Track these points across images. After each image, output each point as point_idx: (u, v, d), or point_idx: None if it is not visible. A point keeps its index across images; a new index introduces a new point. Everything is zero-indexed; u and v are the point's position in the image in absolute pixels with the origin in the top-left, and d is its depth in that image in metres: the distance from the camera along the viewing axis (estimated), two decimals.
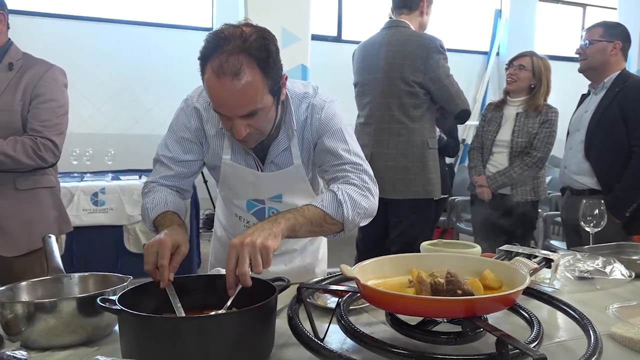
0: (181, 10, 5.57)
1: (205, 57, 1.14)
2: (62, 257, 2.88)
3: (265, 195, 1.44)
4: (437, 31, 6.14)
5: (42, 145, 1.84)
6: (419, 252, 1.45)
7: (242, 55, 1.10)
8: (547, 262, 1.41)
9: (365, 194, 1.28)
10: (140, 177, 3.93)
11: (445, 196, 3.23)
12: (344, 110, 1.40)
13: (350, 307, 1.19)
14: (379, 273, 1.08)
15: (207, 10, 5.72)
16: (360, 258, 2.61)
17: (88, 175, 3.99)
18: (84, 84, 4.97)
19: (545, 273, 1.51)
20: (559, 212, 3.28)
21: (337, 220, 1.23)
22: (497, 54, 6.84)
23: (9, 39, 1.95)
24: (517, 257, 1.17)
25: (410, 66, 2.42)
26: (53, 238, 1.37)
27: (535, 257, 1.43)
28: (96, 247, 3.60)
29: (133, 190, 3.66)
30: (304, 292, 1.08)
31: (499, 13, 6.93)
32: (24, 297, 1.17)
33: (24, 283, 1.19)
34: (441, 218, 3.92)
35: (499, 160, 3.01)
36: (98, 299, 0.96)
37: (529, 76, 2.93)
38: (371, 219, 1.34)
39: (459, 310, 0.92)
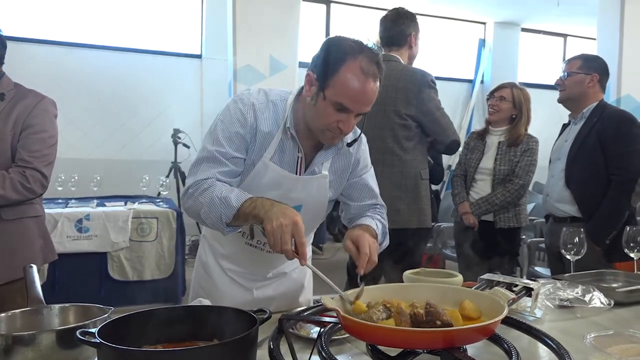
0: (170, 37, 5.63)
1: (352, 52, 1.27)
2: (44, 285, 2.86)
3: (287, 204, 1.45)
4: (424, 59, 6.28)
5: (30, 177, 1.85)
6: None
7: (381, 67, 1.31)
8: (528, 291, 1.44)
9: (386, 231, 1.52)
10: (125, 204, 3.91)
11: (432, 224, 3.27)
12: None
13: (333, 338, 1.19)
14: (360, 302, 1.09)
15: (196, 38, 5.79)
16: (351, 284, 2.62)
17: (73, 201, 3.96)
18: (70, 109, 4.97)
19: (527, 302, 1.52)
20: (543, 239, 3.32)
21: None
22: (482, 82, 6.98)
23: (2, 71, 1.96)
24: (496, 287, 1.19)
25: (403, 100, 2.49)
26: (34, 268, 1.36)
27: (516, 285, 1.46)
28: (79, 274, 3.55)
29: (118, 216, 3.64)
30: (286, 323, 1.08)
31: (482, 42, 7.10)
32: (2, 329, 1.16)
33: (2, 315, 1.18)
34: (428, 245, 3.94)
35: (482, 187, 3.05)
36: (77, 332, 0.96)
37: (509, 107, 3.01)
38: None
39: (437, 341, 0.94)
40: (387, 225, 1.52)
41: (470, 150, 3.15)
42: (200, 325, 1.13)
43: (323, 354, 0.99)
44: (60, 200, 3.96)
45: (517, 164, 2.97)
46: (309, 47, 5.93)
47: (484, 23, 7.10)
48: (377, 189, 1.56)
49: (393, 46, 2.59)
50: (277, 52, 4.34)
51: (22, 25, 4.67)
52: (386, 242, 1.50)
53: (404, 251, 2.51)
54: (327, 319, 1.09)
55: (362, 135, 1.53)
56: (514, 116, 3.02)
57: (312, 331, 1.28)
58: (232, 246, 1.55)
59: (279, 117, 1.38)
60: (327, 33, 6.31)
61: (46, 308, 1.24)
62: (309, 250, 1.66)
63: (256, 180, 1.43)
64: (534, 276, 3.11)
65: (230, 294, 1.51)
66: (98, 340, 0.92)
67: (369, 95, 1.30)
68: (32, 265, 1.36)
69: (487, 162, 3.05)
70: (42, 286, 2.68)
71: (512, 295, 1.08)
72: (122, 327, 1.06)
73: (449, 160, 6.43)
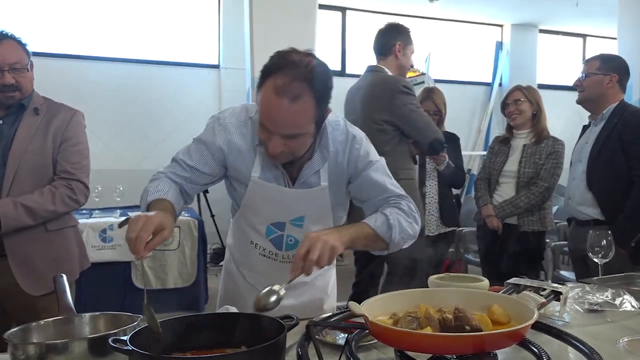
0: (188, 48, 5.70)
1: (268, 72, 1.21)
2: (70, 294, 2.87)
3: (287, 217, 1.45)
4: (441, 63, 6.26)
5: (76, 189, 1.94)
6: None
7: (304, 83, 1.19)
8: (556, 295, 1.42)
9: (411, 221, 1.41)
10: None
11: (453, 229, 3.24)
12: None
13: (360, 344, 1.19)
14: (387, 309, 1.09)
15: (214, 48, 5.86)
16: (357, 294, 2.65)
17: (97, 211, 4.02)
18: (92, 121, 5.03)
19: (555, 306, 1.49)
20: (567, 242, 3.27)
21: (385, 241, 1.35)
22: (500, 84, 6.93)
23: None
24: (525, 291, 1.17)
25: (378, 107, 2.62)
26: (64, 278, 1.38)
27: (544, 289, 1.44)
28: (104, 283, 3.60)
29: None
30: (313, 329, 1.08)
31: (500, 45, 7.05)
32: (35, 337, 1.18)
33: (34, 324, 1.20)
34: (449, 250, 3.90)
35: (506, 190, 3.03)
36: (110, 340, 0.97)
37: (529, 106, 3.03)
38: (413, 241, 1.45)
39: (467, 346, 0.93)
40: (409, 214, 1.41)
41: (495, 153, 3.14)
42: (228, 332, 1.14)
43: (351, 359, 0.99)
44: (84, 211, 4.02)
45: (542, 167, 2.95)
46: (326, 55, 5.96)
47: (501, 25, 7.05)
48: (387, 181, 1.46)
49: (380, 56, 2.77)
50: None
51: (45, 40, 4.78)
52: (399, 235, 1.37)
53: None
54: (354, 325, 1.09)
55: (358, 133, 1.46)
56: (534, 113, 3.03)
57: (338, 337, 1.28)
58: (248, 256, 1.56)
59: (255, 135, 1.39)
60: (343, 40, 6.34)
61: (77, 317, 1.26)
62: None
63: (254, 197, 1.46)
64: (559, 280, 3.06)
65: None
66: (130, 347, 0.93)
67: (282, 115, 1.20)
68: (62, 275, 1.39)
69: (512, 165, 3.04)
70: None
71: (542, 300, 1.07)
72: (152, 335, 1.07)
73: (469, 164, 6.39)
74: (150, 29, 5.47)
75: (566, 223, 3.08)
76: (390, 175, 1.48)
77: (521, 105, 3.01)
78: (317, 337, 1.28)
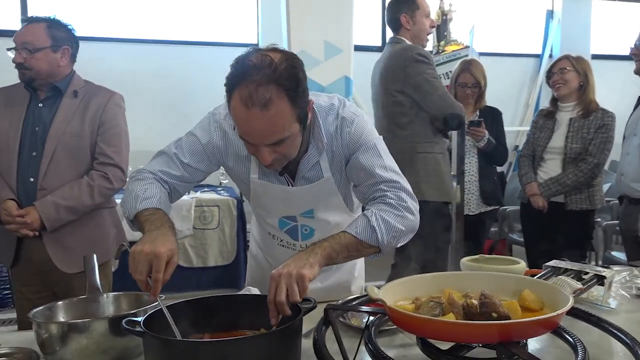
0: (227, 28, 5.69)
1: (232, 84, 1.11)
2: (116, 272, 3.00)
3: (296, 211, 1.42)
4: (487, 35, 6.00)
5: (112, 178, 1.97)
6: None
7: (271, 85, 1.08)
8: (599, 280, 1.32)
9: (402, 213, 1.24)
10: (189, 193, 4.01)
11: (496, 207, 3.12)
12: None
13: (384, 328, 1.15)
14: (409, 294, 1.03)
15: (253, 27, 5.82)
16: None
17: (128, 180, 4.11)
18: (135, 103, 5.13)
19: (600, 291, 1.40)
20: (618, 222, 3.09)
21: (373, 245, 1.21)
22: (550, 55, 6.57)
23: (73, 69, 2.06)
24: (560, 276, 1.09)
25: (392, 77, 2.54)
26: (94, 257, 1.39)
27: (586, 273, 1.34)
28: None
29: (182, 205, 3.74)
30: (332, 313, 1.05)
31: (550, 14, 6.68)
32: (61, 316, 1.20)
33: (60, 302, 1.22)
34: (492, 229, 3.77)
35: (552, 167, 2.88)
36: (123, 321, 0.97)
37: (575, 76, 2.85)
38: (413, 234, 1.31)
39: (492, 335, 0.87)
40: (397, 206, 1.24)
41: (539, 128, 2.98)
42: (248, 314, 1.12)
43: (370, 346, 0.95)
44: None
45: (590, 142, 2.78)
46: (365, 30, 5.82)
47: None
48: (377, 163, 1.29)
49: (393, 31, 2.69)
50: (331, 37, 4.27)
51: (89, 24, 4.87)
52: (388, 235, 1.21)
53: None
54: (375, 309, 1.04)
55: (348, 114, 1.32)
56: (581, 84, 2.84)
57: (364, 321, 1.24)
58: (269, 245, 1.54)
59: None
60: (384, 14, 6.15)
61: (102, 296, 1.27)
62: None
63: (260, 197, 1.41)
64: (610, 262, 2.90)
65: None
66: (142, 329, 0.92)
67: (258, 126, 1.10)
68: (92, 254, 1.40)
69: (558, 140, 2.88)
70: (115, 273, 2.82)
71: (578, 285, 0.98)
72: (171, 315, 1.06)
73: (516, 140, 6.14)
74: (190, 11, 5.49)
75: (618, 201, 2.91)
76: (386, 156, 1.32)
77: (567, 74, 2.83)
78: (341, 320, 1.26)
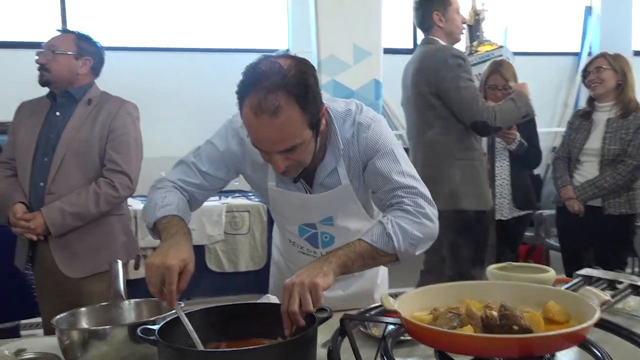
0: (258, 33, 5.75)
1: (242, 93, 1.12)
2: (144, 277, 2.98)
3: (315, 219, 1.40)
4: (522, 34, 5.86)
5: (119, 186, 1.98)
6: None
7: (280, 92, 1.08)
8: (635, 290, 1.26)
9: (420, 220, 1.21)
10: (220, 198, 4.06)
11: (530, 212, 3.02)
12: None
13: (404, 338, 1.12)
14: (427, 304, 1.00)
15: (283, 32, 5.86)
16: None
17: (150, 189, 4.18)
18: (171, 110, 5.26)
19: (637, 301, 1.33)
20: None
21: (390, 253, 1.18)
22: (589, 53, 6.35)
23: (93, 80, 2.12)
24: (588, 287, 1.04)
25: (424, 79, 2.45)
26: (119, 263, 1.41)
27: (620, 283, 1.28)
28: None
29: (213, 211, 3.79)
30: (349, 323, 1.03)
31: (589, 10, 6.46)
32: (84, 322, 1.22)
33: (83, 309, 1.25)
34: (528, 234, 3.66)
35: (588, 169, 2.77)
36: (139, 329, 0.98)
37: (612, 74, 2.73)
38: (432, 242, 1.27)
39: (512, 349, 0.83)
40: (415, 213, 1.20)
41: (575, 129, 2.88)
42: (265, 322, 1.11)
43: (386, 357, 0.92)
44: None
45: (629, 143, 2.67)
46: (395, 33, 5.76)
47: None
48: (394, 169, 1.26)
49: (424, 31, 2.61)
50: (360, 40, 4.25)
51: (116, 34, 5.01)
52: (405, 242, 1.18)
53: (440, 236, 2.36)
54: (392, 319, 1.01)
55: (365, 120, 1.30)
56: (619, 82, 2.73)
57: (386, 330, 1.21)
58: (290, 253, 1.53)
59: None
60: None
61: (125, 302, 1.29)
62: None
63: (278, 204, 1.40)
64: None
65: None
66: (155, 338, 0.92)
67: (268, 134, 1.10)
68: (117, 260, 1.42)
69: (594, 141, 2.77)
70: (144, 278, 2.79)
71: (606, 297, 0.93)
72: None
73: (554, 142, 5.96)
74: (220, 18, 5.57)
75: None
76: (403, 161, 1.28)
77: (603, 73, 2.72)
78: (362, 329, 1.24)
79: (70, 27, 4.59)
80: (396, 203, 1.24)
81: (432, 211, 1.25)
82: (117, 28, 5.02)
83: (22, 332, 2.82)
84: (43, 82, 2.03)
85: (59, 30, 2.09)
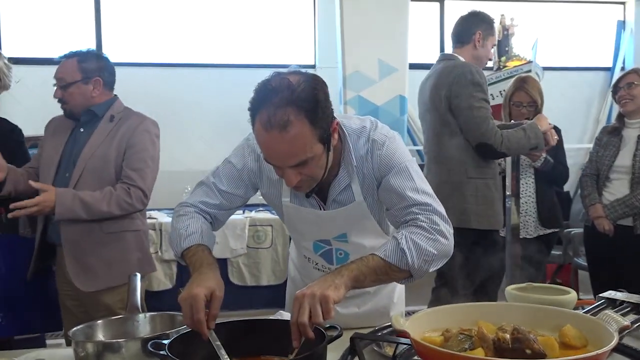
0: (285, 49, 5.82)
1: (254, 109, 1.14)
2: (172, 289, 3.04)
3: (329, 235, 1.40)
4: (553, 49, 5.77)
5: (133, 195, 2.00)
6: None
7: (289, 107, 1.10)
8: None
9: (434, 237, 1.19)
10: (243, 212, 4.09)
11: (556, 230, 2.95)
12: None
13: (416, 359, 1.10)
14: (438, 324, 0.99)
15: (310, 48, 5.92)
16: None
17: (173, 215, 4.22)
18: (196, 124, 5.36)
19: None
20: None
21: (403, 269, 1.17)
22: (622, 68, 6.21)
23: (115, 95, 2.16)
24: (606, 311, 1.00)
25: (439, 96, 2.44)
26: (138, 277, 1.43)
27: None
28: None
29: (236, 224, 3.81)
30: (359, 342, 1.02)
31: (622, 24, 6.33)
32: (100, 335, 1.24)
33: (100, 321, 1.27)
34: (556, 252, 3.57)
35: (618, 187, 2.70)
36: (149, 344, 0.99)
37: None
38: (446, 259, 1.25)
39: None
40: (430, 230, 1.19)
41: (603, 146, 2.81)
42: (275, 339, 1.11)
43: None
44: None
45: None
46: (422, 48, 5.76)
47: (623, 3, 6.32)
48: (408, 186, 1.25)
49: (458, 43, 2.60)
50: (385, 56, 4.26)
51: (143, 50, 5.13)
52: (419, 259, 1.16)
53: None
54: (403, 340, 1.00)
55: (379, 136, 1.30)
56: None
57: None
58: (306, 269, 1.53)
59: None
60: (442, 31, 6.07)
61: (140, 315, 1.31)
62: None
63: (292, 220, 1.41)
64: None
65: None
66: (164, 353, 0.93)
67: (278, 148, 1.12)
68: (136, 274, 1.44)
69: (624, 158, 2.70)
70: (170, 290, 2.81)
71: (626, 322, 0.90)
72: (195, 340, 1.07)
73: (585, 158, 5.82)
74: (249, 34, 5.67)
75: None
76: (418, 178, 1.28)
77: (634, 89, 2.66)
78: (375, 348, 1.22)
79: (104, 43, 4.77)
80: (411, 219, 1.23)
81: (447, 228, 1.23)
82: (145, 44, 5.15)
83: (48, 342, 2.88)
84: (68, 114, 2.09)
85: (61, 57, 2.09)
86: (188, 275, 4.00)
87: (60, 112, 2.17)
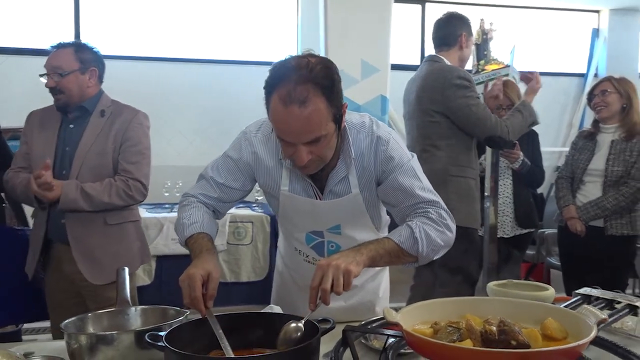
0: (269, 46, 5.82)
1: (272, 86, 1.19)
2: (151, 284, 3.02)
3: (323, 226, 1.44)
4: (529, 54, 5.91)
5: (133, 187, 2.03)
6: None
7: (309, 84, 1.15)
8: (632, 310, 1.28)
9: (442, 229, 1.30)
10: None
11: (532, 230, 3.04)
12: None
13: (405, 351, 1.14)
14: (428, 317, 1.03)
15: (292, 46, 5.93)
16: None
17: (177, 206, 4.21)
18: (176, 119, 5.31)
19: (635, 321, 1.35)
20: None
21: (412, 255, 1.26)
22: (596, 75, 6.40)
23: (101, 89, 2.15)
24: (585, 305, 1.06)
25: (429, 98, 2.50)
26: (126, 270, 1.44)
27: (618, 302, 1.30)
28: None
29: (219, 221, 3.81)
30: (351, 335, 1.05)
31: (596, 32, 6.52)
32: (91, 327, 1.25)
33: (91, 314, 1.27)
34: (530, 252, 3.67)
35: (591, 190, 2.79)
36: (147, 335, 1.00)
37: (617, 97, 2.77)
38: (447, 250, 1.35)
39: None
40: (439, 222, 1.29)
41: (579, 150, 2.91)
42: (267, 332, 1.13)
43: None
44: (166, 205, 4.23)
45: (633, 165, 2.69)
46: (403, 49, 5.83)
47: (597, 11, 6.51)
48: (416, 184, 1.34)
49: (443, 46, 2.64)
50: (368, 56, 4.30)
51: (126, 44, 5.08)
52: (428, 247, 1.26)
53: None
54: (393, 332, 1.04)
55: (383, 134, 1.37)
56: (624, 106, 2.77)
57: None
58: (295, 262, 1.56)
59: (279, 148, 1.36)
60: (423, 33, 6.16)
61: (130, 309, 1.32)
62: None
63: (288, 210, 1.45)
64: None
65: (303, 304, 1.51)
66: (163, 344, 0.95)
67: (296, 123, 1.17)
68: (124, 267, 1.45)
69: (598, 162, 2.79)
70: (150, 286, 2.81)
71: (603, 316, 0.95)
72: (191, 332, 1.09)
73: (558, 161, 5.98)
74: (232, 31, 5.65)
75: None
76: (422, 176, 1.38)
77: (608, 97, 2.76)
78: (362, 341, 1.26)
79: (82, 35, 4.70)
80: (421, 212, 1.32)
81: (452, 224, 1.33)
82: (128, 38, 5.10)
83: (24, 337, 2.84)
84: (60, 106, 2.05)
85: (54, 47, 2.07)
86: (167, 271, 4.00)
87: (38, 105, 2.15)
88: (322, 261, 1.12)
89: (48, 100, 2.14)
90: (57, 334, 1.99)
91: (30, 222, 2.31)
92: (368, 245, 1.21)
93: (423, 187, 1.35)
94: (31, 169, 2.05)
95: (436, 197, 1.36)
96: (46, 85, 2.03)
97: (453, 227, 1.33)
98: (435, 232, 1.28)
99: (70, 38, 4.52)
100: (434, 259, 1.32)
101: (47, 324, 3.04)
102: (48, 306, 2.15)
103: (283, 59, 1.21)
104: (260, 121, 1.45)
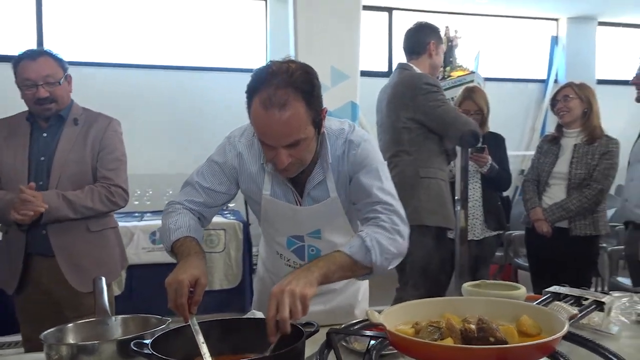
0: (237, 53, 5.81)
1: (253, 90, 1.21)
2: (122, 294, 2.96)
3: (304, 231, 1.46)
4: (492, 61, 6.08)
5: (115, 193, 2.04)
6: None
7: (289, 88, 1.18)
8: (599, 305, 1.34)
9: (394, 237, 1.29)
10: None
11: (501, 232, 3.13)
12: None
13: (386, 352, 1.17)
14: (409, 318, 1.06)
15: (261, 53, 5.94)
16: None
17: (148, 214, 4.16)
18: (145, 127, 5.24)
19: (601, 317, 1.41)
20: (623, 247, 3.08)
21: (366, 266, 1.25)
22: (556, 81, 6.63)
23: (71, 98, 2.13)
24: (557, 302, 1.11)
25: (400, 104, 2.57)
26: (103, 280, 1.43)
27: (586, 299, 1.36)
28: (154, 284, 3.67)
29: None
30: (335, 337, 1.07)
31: (555, 39, 6.76)
32: (71, 338, 1.23)
33: (70, 325, 1.26)
34: (498, 254, 3.77)
35: (556, 192, 2.90)
36: (132, 343, 1.00)
37: (578, 103, 2.89)
38: (402, 258, 1.35)
39: (489, 359, 0.89)
40: (390, 230, 1.29)
41: (544, 153, 3.01)
42: (251, 338, 1.15)
43: None
44: (136, 214, 4.17)
45: (595, 168, 2.80)
46: (371, 56, 5.91)
47: (556, 19, 6.75)
48: (376, 185, 1.35)
49: (413, 55, 2.71)
50: (338, 63, 4.34)
51: (94, 50, 5.00)
52: (381, 256, 1.25)
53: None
54: (376, 333, 1.06)
55: (356, 138, 1.39)
56: (585, 110, 2.89)
57: (367, 345, 1.26)
58: (276, 266, 1.58)
59: (262, 153, 1.38)
60: (390, 41, 6.27)
61: (110, 318, 1.31)
62: None
63: (269, 215, 1.47)
64: (616, 288, 2.90)
65: None
66: (149, 351, 0.95)
67: (276, 127, 1.19)
68: (101, 277, 1.44)
69: (562, 165, 2.90)
70: (121, 295, 2.75)
71: (574, 311, 1.01)
72: (176, 339, 1.09)
73: (522, 165, 6.16)
74: (199, 37, 5.61)
75: (624, 226, 2.91)
76: (386, 180, 1.38)
77: (570, 102, 2.87)
78: (344, 344, 1.28)
79: (46, 42, 4.59)
80: (372, 218, 1.32)
81: (405, 229, 1.34)
82: (97, 44, 5.02)
83: None
84: (51, 115, 2.01)
85: (29, 56, 1.97)
86: (138, 280, 3.93)
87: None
88: (275, 289, 1.10)
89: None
90: (31, 347, 1.94)
91: None
92: (318, 262, 1.19)
93: (382, 188, 1.35)
94: (0, 181, 2.01)
95: (394, 200, 1.36)
96: (38, 96, 1.95)
97: (405, 232, 1.32)
98: (387, 240, 1.27)
99: (32, 45, 4.41)
100: (389, 269, 1.31)
101: (12, 338, 2.96)
102: (20, 320, 2.10)
103: (265, 64, 1.24)
104: (243, 127, 1.48)
